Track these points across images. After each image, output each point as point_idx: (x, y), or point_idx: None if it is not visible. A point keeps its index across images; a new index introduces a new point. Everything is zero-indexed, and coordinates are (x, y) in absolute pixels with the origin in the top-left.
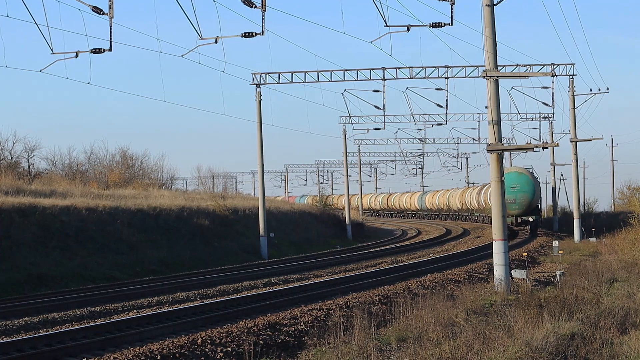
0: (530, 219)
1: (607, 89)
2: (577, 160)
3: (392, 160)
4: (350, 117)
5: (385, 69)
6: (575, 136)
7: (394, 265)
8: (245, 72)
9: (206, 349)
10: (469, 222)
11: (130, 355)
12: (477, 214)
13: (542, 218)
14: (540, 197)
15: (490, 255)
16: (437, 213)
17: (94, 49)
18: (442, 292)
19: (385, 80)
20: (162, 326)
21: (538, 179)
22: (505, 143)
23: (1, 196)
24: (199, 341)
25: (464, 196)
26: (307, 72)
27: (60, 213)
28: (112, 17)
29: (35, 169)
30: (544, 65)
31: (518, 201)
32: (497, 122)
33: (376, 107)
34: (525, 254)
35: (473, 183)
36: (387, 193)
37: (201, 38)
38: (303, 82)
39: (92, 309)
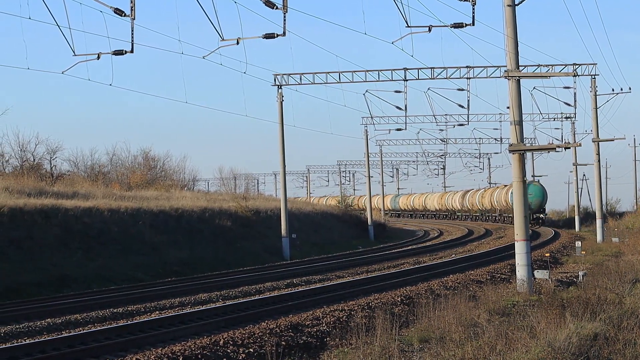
0: (542, 216)
1: (630, 88)
2: (599, 161)
3: (414, 161)
4: (371, 117)
5: (407, 69)
6: (598, 136)
7: (416, 266)
8: (266, 73)
9: (228, 350)
10: (446, 220)
11: (152, 357)
12: (460, 214)
13: (565, 218)
14: (546, 200)
15: (512, 256)
16: (412, 212)
17: (115, 50)
18: (464, 293)
19: (407, 80)
20: (184, 327)
21: (545, 188)
22: (528, 143)
23: (24, 198)
24: (221, 342)
25: (443, 199)
26: (328, 72)
27: (82, 214)
28: (134, 18)
29: (58, 171)
30: (566, 65)
31: (533, 203)
32: (519, 123)
33: (398, 107)
34: (548, 254)
35: (495, 183)
36: (357, 196)
37: (222, 39)
38: (324, 83)
39: (115, 310)
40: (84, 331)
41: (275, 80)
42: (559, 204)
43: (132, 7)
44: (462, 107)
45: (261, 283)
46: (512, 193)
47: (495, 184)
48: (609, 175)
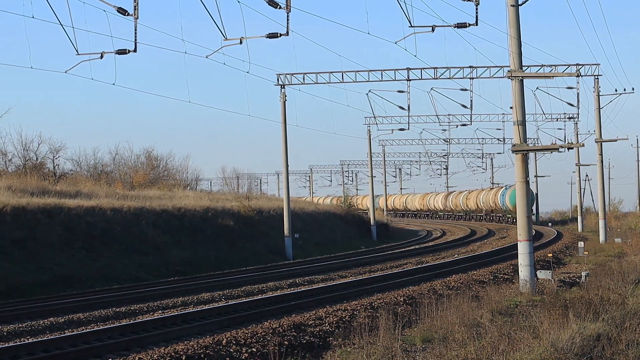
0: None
1: (633, 89)
2: (602, 161)
3: (416, 161)
4: (374, 117)
5: (410, 69)
6: (601, 136)
7: (419, 266)
8: (269, 73)
9: (231, 350)
10: (427, 218)
11: (155, 356)
12: (442, 214)
13: (568, 218)
14: (534, 201)
15: (515, 256)
16: (392, 212)
17: (118, 49)
18: (467, 293)
19: (410, 80)
20: (187, 327)
21: (532, 190)
22: (530, 143)
23: (27, 197)
24: (224, 342)
25: (425, 199)
26: (331, 72)
27: (85, 214)
28: (137, 17)
29: (61, 170)
30: (569, 65)
31: None
32: (522, 123)
33: (401, 107)
34: (551, 254)
35: (498, 184)
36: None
37: (226, 39)
38: (328, 83)
39: (117, 310)
40: (87, 330)
41: (278, 79)
42: (561, 205)
43: (135, 6)
44: (465, 107)
45: (264, 283)
46: (501, 195)
47: (498, 184)
48: (612, 176)
